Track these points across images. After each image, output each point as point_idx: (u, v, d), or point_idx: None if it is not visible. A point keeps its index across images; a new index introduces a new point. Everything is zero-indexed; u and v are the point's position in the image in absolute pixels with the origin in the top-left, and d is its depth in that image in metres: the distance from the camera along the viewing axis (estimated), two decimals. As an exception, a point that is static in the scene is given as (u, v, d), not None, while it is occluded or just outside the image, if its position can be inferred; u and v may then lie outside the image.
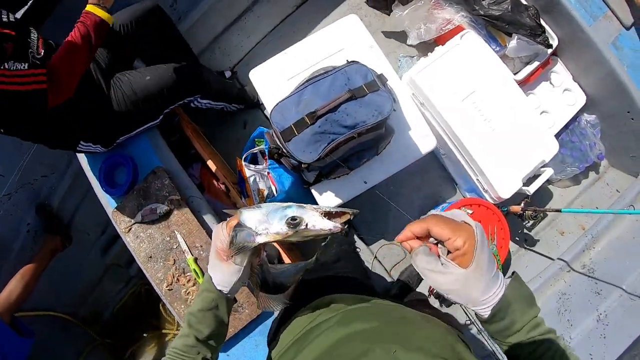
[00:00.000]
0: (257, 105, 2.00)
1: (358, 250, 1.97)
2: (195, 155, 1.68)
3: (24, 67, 1.06)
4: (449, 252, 0.56)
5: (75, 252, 2.00)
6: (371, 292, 0.80)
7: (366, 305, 0.70)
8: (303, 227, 0.59)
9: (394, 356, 0.50)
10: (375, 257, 1.94)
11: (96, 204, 1.60)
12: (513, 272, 0.59)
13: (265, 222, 0.62)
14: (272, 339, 0.80)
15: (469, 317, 1.54)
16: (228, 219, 0.69)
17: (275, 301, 0.80)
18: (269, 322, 1.41)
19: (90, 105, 1.34)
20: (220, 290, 0.67)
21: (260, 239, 0.62)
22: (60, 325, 2.08)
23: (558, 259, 1.74)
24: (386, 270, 1.96)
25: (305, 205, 0.62)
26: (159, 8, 1.52)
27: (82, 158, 1.59)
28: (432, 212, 1.83)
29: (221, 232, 0.67)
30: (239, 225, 0.64)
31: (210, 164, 1.60)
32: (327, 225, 0.59)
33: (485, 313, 0.56)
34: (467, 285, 0.54)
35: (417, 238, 0.60)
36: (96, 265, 2.17)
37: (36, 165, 1.76)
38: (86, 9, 1.18)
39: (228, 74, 2.05)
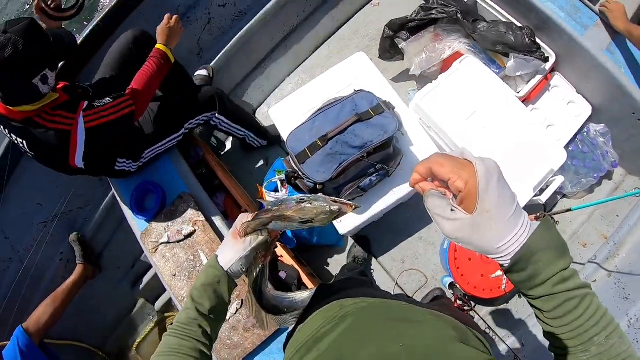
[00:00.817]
0: (279, 141, 2.13)
1: (377, 276, 1.98)
2: (220, 186, 1.81)
3: (109, 100, 1.32)
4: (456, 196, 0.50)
5: (106, 285, 2.10)
6: (383, 294, 0.82)
7: (374, 304, 0.72)
8: (308, 204, 0.66)
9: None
10: (397, 283, 1.94)
11: (127, 237, 1.71)
12: (543, 216, 0.54)
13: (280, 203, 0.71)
14: (286, 345, 0.83)
15: (490, 328, 1.52)
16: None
17: (274, 321, 0.86)
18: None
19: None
20: (222, 268, 0.72)
21: (274, 212, 0.70)
22: (86, 357, 2.11)
23: (584, 265, 1.72)
24: (407, 296, 1.94)
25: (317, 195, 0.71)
26: (144, 32, 1.65)
27: (115, 187, 1.73)
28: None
29: (245, 216, 0.75)
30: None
31: (233, 192, 1.72)
32: (331, 204, 0.66)
33: (504, 262, 0.49)
34: (474, 233, 0.47)
35: (436, 182, 0.54)
36: (125, 299, 2.25)
37: (73, 196, 1.91)
38: (156, 47, 1.48)
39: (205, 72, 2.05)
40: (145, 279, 2.19)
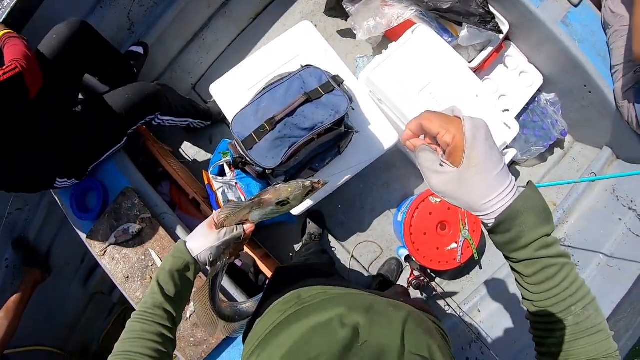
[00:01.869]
0: (223, 120, 2.02)
1: (333, 250, 1.98)
2: (164, 174, 1.69)
3: None
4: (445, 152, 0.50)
5: (57, 284, 1.98)
6: (343, 283, 0.80)
7: (335, 295, 0.71)
8: (282, 184, 0.71)
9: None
10: (352, 255, 1.95)
11: (72, 233, 1.60)
12: (528, 182, 0.51)
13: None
14: (246, 336, 0.80)
15: (446, 300, 1.56)
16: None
17: (224, 328, 0.86)
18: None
19: (57, 143, 1.35)
20: (191, 254, 0.72)
21: (253, 199, 0.73)
22: (50, 360, 2.05)
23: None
24: (364, 267, 1.97)
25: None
26: (85, 24, 1.46)
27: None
28: (403, 206, 1.85)
29: (223, 209, 0.75)
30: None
31: (179, 180, 1.61)
32: (304, 181, 0.70)
33: (489, 221, 0.50)
34: (460, 187, 0.48)
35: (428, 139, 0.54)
36: (79, 296, 2.15)
37: (8, 199, 1.75)
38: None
39: (139, 48, 1.83)
40: (97, 273, 2.09)
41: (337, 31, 2.14)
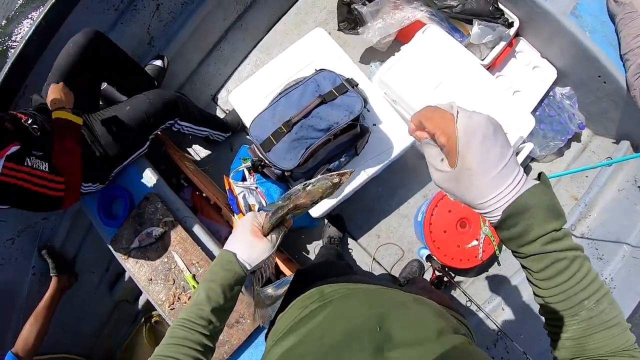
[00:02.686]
0: (242, 129, 2.07)
1: (351, 252, 1.99)
2: (186, 180, 1.74)
3: (45, 169, 1.14)
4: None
5: (83, 292, 2.03)
6: (365, 279, 0.81)
7: (356, 291, 0.71)
8: (312, 186, 0.70)
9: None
10: (374, 258, 1.95)
11: (98, 240, 1.64)
12: (539, 174, 0.49)
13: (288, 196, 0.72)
14: (267, 335, 0.82)
15: (469, 298, 1.54)
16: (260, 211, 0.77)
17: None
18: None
19: (84, 151, 1.40)
20: (246, 268, 0.69)
21: (288, 206, 0.71)
22: (75, 368, 2.09)
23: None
24: (386, 270, 1.96)
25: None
26: (100, 33, 1.50)
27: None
28: (423, 206, 1.84)
29: (257, 215, 0.74)
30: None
31: (200, 186, 1.66)
32: (331, 178, 0.69)
33: (493, 218, 0.49)
34: (458, 186, 0.48)
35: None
36: (104, 303, 2.19)
37: None
38: (54, 115, 1.25)
39: (158, 62, 1.90)
40: (122, 281, 2.14)
41: (351, 39, 2.17)
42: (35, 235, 1.87)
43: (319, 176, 0.70)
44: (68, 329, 2.03)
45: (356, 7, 1.83)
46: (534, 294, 0.53)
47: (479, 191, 0.47)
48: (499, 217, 0.48)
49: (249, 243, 0.70)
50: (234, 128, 2.02)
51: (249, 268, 0.68)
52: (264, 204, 1.61)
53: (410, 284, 1.60)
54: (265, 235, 0.72)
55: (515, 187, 0.46)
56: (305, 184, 0.71)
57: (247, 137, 2.05)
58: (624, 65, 1.66)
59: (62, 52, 1.43)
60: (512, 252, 0.52)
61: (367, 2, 1.81)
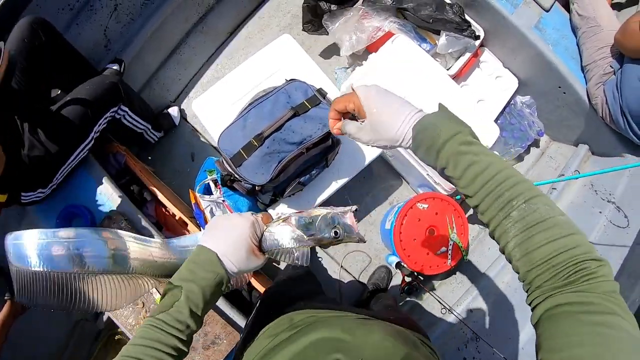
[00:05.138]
0: (174, 126, 2.01)
1: (321, 260, 1.98)
2: (148, 194, 1.65)
3: None
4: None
5: (38, 313, 1.89)
6: (332, 306, 0.80)
7: (324, 318, 0.70)
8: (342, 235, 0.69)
9: None
10: (342, 266, 1.96)
11: (53, 259, 1.52)
12: (439, 104, 0.61)
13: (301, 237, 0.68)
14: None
15: (440, 301, 1.59)
16: (259, 216, 0.70)
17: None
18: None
19: (11, 158, 1.24)
20: (229, 270, 0.63)
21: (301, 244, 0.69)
22: (34, 393, 1.95)
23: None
24: (354, 277, 1.99)
25: (331, 211, 0.70)
26: (43, 21, 1.40)
27: (33, 213, 1.52)
28: (389, 214, 1.87)
29: (257, 225, 0.67)
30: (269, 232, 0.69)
31: (163, 200, 1.58)
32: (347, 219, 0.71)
33: (408, 142, 0.59)
34: (376, 129, 0.61)
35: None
36: (63, 324, 2.06)
37: None
38: None
39: (115, 66, 1.78)
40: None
41: (315, 44, 2.15)
42: None
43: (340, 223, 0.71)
44: (25, 354, 1.88)
45: (326, 22, 1.82)
46: (472, 207, 0.55)
47: (389, 125, 0.59)
48: (411, 138, 0.58)
49: (243, 255, 0.64)
50: (166, 128, 1.95)
51: (235, 271, 0.63)
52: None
53: (376, 300, 1.63)
54: (263, 253, 0.67)
55: (416, 113, 0.59)
56: (336, 232, 0.68)
57: (210, 146, 2.00)
58: (584, 76, 1.76)
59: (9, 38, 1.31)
60: (440, 173, 0.58)
61: (332, 8, 1.80)
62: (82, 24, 1.69)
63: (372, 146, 0.65)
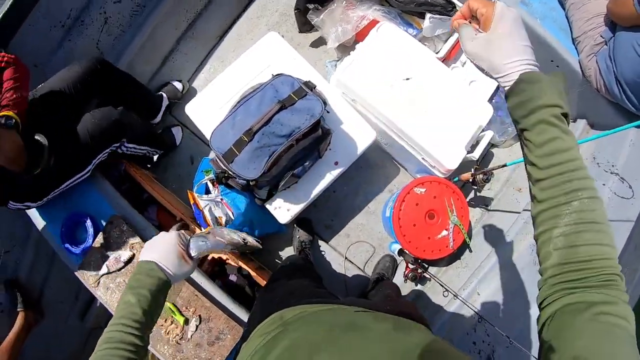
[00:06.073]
0: (175, 146, 2.05)
1: (324, 253, 1.99)
2: (149, 199, 1.68)
3: None
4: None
5: (53, 323, 1.94)
6: (326, 300, 0.80)
7: (314, 312, 0.71)
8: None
9: None
10: (346, 257, 1.96)
11: (64, 269, 1.57)
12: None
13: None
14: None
15: (445, 287, 1.57)
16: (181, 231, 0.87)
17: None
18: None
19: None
20: (167, 274, 0.76)
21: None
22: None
23: (523, 210, 1.81)
24: (359, 268, 1.98)
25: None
26: (103, 61, 1.55)
27: (40, 224, 1.56)
28: (389, 201, 1.87)
29: (182, 236, 0.84)
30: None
31: (164, 203, 1.61)
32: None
33: (509, 82, 0.58)
34: (487, 48, 0.60)
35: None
36: (77, 333, 2.11)
37: None
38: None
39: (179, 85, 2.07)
40: (94, 307, 2.06)
41: (305, 39, 2.17)
42: None
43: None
44: (39, 366, 1.94)
45: (311, 17, 1.83)
46: (529, 174, 0.56)
47: (507, 52, 0.58)
48: (514, 80, 0.56)
49: (175, 262, 0.78)
50: (167, 145, 1.99)
51: (171, 273, 0.76)
52: (231, 216, 1.58)
53: (377, 290, 1.62)
54: (191, 259, 0.82)
55: (534, 64, 0.57)
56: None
57: (208, 147, 2.03)
58: (576, 48, 1.73)
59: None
60: (517, 126, 0.57)
61: (319, 7, 1.81)
62: (75, 39, 1.74)
63: (470, 60, 0.65)
